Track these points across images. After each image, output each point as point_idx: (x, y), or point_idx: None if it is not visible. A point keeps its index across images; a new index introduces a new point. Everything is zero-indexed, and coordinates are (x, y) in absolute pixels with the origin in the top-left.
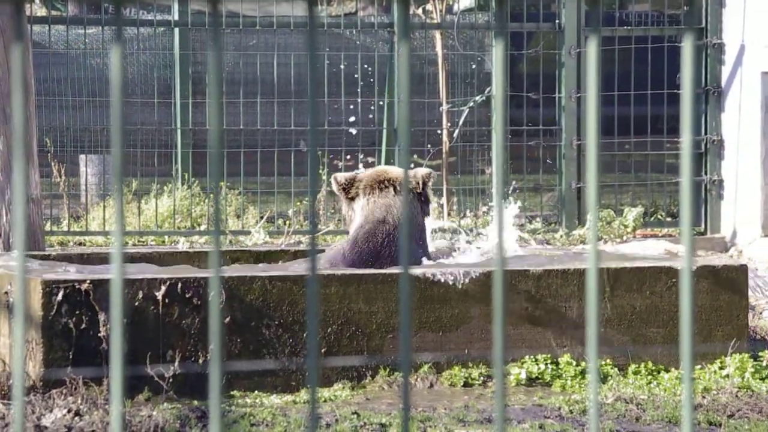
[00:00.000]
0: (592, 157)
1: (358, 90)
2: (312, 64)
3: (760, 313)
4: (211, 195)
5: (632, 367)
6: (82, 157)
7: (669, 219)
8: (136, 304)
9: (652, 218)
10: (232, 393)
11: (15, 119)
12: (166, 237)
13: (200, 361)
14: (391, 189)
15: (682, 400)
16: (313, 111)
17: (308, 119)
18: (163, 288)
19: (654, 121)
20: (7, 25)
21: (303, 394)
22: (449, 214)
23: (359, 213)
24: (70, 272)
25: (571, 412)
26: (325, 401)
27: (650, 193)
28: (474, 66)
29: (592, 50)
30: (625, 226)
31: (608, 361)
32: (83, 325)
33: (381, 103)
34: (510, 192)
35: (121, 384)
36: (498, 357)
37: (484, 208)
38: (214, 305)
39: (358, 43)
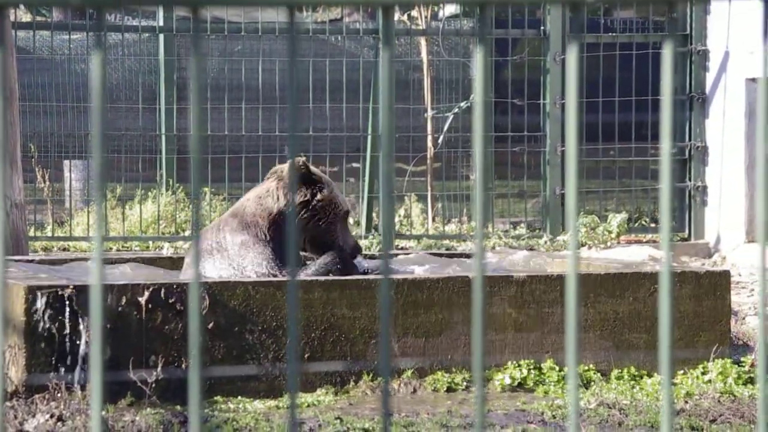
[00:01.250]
0: (572, 163)
1: (343, 96)
2: (292, 70)
3: (743, 319)
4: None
5: (615, 372)
6: (67, 162)
7: (653, 225)
8: (119, 309)
9: (636, 224)
10: (215, 398)
11: None
12: (151, 242)
13: (183, 366)
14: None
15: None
16: (293, 117)
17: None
18: (146, 293)
19: (638, 127)
20: None
21: (286, 399)
22: (433, 220)
23: None
24: (54, 277)
25: (554, 417)
26: (308, 406)
27: (634, 199)
28: (457, 72)
29: (572, 57)
30: (609, 232)
31: (591, 366)
32: (66, 331)
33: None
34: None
35: (102, 389)
36: (478, 362)
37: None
38: (193, 311)
39: (343, 49)
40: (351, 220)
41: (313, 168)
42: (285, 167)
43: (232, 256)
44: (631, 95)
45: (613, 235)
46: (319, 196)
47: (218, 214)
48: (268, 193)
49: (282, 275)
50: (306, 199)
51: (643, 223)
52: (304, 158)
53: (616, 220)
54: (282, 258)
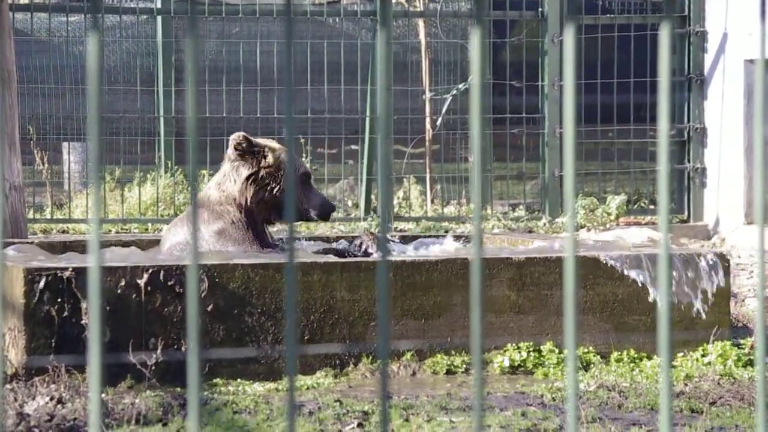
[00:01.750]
0: (569, 145)
1: (341, 78)
2: (289, 52)
3: (743, 301)
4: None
5: (615, 354)
6: (65, 144)
7: (652, 207)
8: (119, 291)
9: (636, 206)
10: (214, 381)
11: None
12: (150, 224)
13: (183, 348)
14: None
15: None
16: (289, 99)
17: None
18: (146, 276)
19: (637, 109)
20: None
21: (286, 382)
22: (432, 202)
23: None
24: (54, 259)
25: (553, 399)
26: (307, 389)
27: (633, 180)
28: (455, 54)
29: (570, 38)
30: (608, 214)
31: (590, 348)
32: (65, 313)
33: (364, 90)
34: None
35: (102, 372)
36: (477, 345)
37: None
38: (191, 294)
39: (341, 30)
40: (314, 180)
41: (255, 139)
42: (228, 151)
43: (214, 247)
44: (630, 77)
45: (612, 217)
46: (263, 163)
47: None
48: (225, 177)
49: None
50: (254, 170)
51: (642, 204)
52: (243, 134)
53: (615, 201)
54: (259, 238)
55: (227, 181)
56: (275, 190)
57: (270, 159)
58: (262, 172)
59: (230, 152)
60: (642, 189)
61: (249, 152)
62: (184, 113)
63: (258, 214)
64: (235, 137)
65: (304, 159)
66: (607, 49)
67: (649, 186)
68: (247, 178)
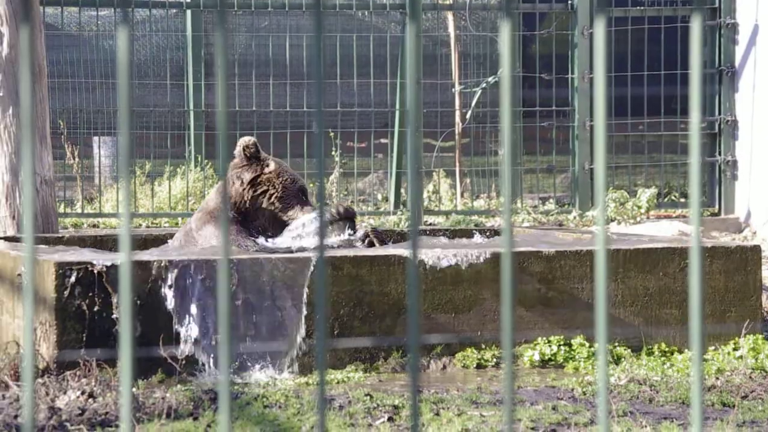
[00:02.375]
0: (600, 138)
1: (371, 71)
2: (319, 45)
3: None
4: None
5: (645, 348)
6: (96, 138)
7: (683, 200)
8: (149, 286)
9: (666, 199)
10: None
11: (23, 101)
12: (180, 219)
13: (213, 342)
14: None
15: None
16: (319, 93)
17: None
18: (176, 271)
19: (667, 101)
20: (18, 8)
21: (316, 376)
22: (462, 196)
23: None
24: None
25: (584, 393)
26: (337, 383)
27: (664, 173)
28: (485, 47)
29: (600, 31)
30: (639, 207)
31: (621, 342)
32: (96, 307)
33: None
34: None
35: (132, 366)
36: (507, 339)
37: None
38: (222, 288)
39: (370, 24)
40: (312, 199)
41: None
42: (236, 153)
43: (201, 245)
44: (660, 69)
45: (642, 210)
46: (266, 170)
47: None
48: (227, 182)
49: (252, 244)
50: (256, 174)
51: (673, 198)
52: (253, 139)
53: (645, 195)
54: (252, 234)
55: (229, 186)
56: (273, 196)
57: (272, 166)
58: (263, 178)
59: (237, 159)
60: (673, 182)
61: (255, 158)
62: (213, 107)
63: (254, 220)
64: (246, 140)
65: (333, 153)
66: (637, 42)
67: (679, 179)
68: (250, 182)
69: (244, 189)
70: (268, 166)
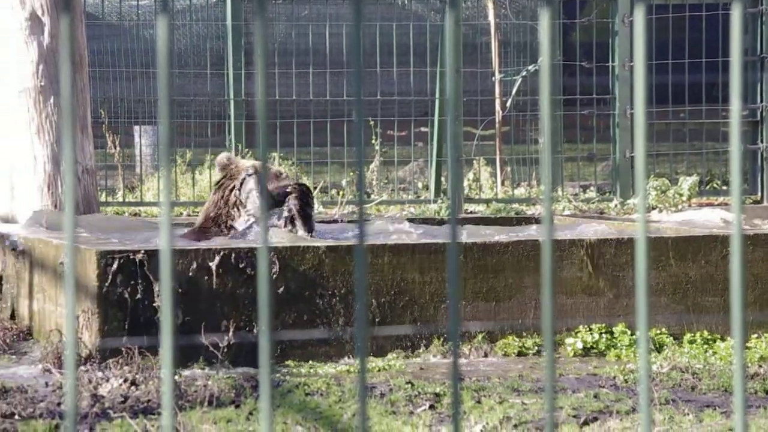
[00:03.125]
0: (640, 125)
1: (411, 59)
2: (357, 34)
3: None
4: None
5: (687, 336)
6: (136, 128)
7: (724, 187)
8: (190, 274)
9: (708, 187)
10: (286, 363)
11: (63, 91)
12: None
13: (254, 330)
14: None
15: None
16: (358, 81)
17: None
18: (217, 258)
19: (708, 89)
20: None
21: (357, 364)
22: (503, 184)
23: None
24: (126, 242)
25: (626, 381)
26: (379, 371)
27: (705, 161)
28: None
29: (640, 18)
30: (680, 195)
31: (663, 330)
32: (138, 295)
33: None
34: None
35: (174, 354)
36: (548, 327)
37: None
38: (262, 276)
39: (410, 12)
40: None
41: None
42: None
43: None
44: (701, 56)
45: (684, 198)
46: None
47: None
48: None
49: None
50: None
51: (715, 185)
52: (226, 154)
53: (686, 182)
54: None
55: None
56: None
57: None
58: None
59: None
60: (714, 170)
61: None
62: (253, 96)
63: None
64: (219, 158)
65: (373, 141)
66: (678, 29)
67: (721, 166)
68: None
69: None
70: (236, 164)
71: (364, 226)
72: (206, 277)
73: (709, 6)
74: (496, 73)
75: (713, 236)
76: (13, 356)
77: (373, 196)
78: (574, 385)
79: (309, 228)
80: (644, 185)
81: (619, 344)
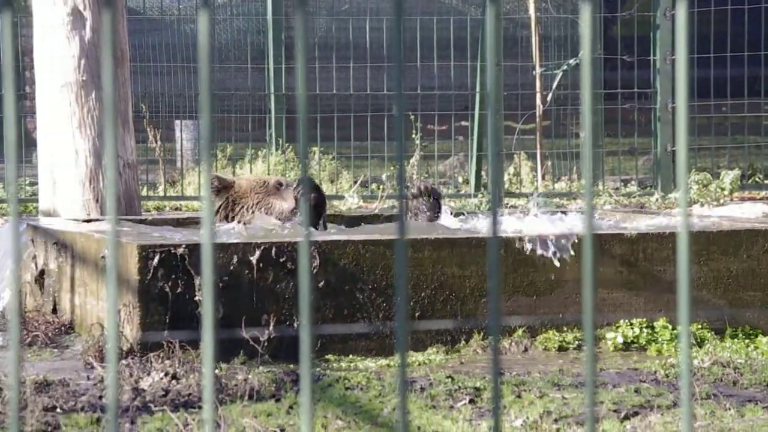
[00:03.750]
0: (682, 119)
1: (451, 54)
2: (398, 28)
3: None
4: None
5: (729, 330)
6: (177, 122)
7: (767, 181)
8: (231, 268)
9: (750, 181)
10: (326, 357)
11: (105, 85)
12: None
13: (295, 325)
14: None
15: None
16: (399, 76)
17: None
18: (258, 252)
19: (751, 82)
20: None
21: (397, 358)
22: (543, 178)
23: None
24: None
25: (666, 376)
26: (419, 365)
27: (747, 155)
28: (565, 29)
29: (682, 12)
30: (722, 189)
31: (704, 324)
32: (179, 289)
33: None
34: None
35: (215, 348)
36: (588, 321)
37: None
38: (303, 271)
39: (450, 6)
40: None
41: (221, 177)
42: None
43: None
44: (744, 50)
45: (725, 192)
46: (233, 190)
47: (328, 173)
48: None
49: None
50: (227, 196)
51: (757, 179)
52: (214, 174)
53: (728, 176)
54: None
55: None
56: (250, 207)
57: (240, 183)
58: (234, 197)
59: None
60: (756, 164)
61: (223, 188)
62: (294, 90)
63: None
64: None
65: (413, 135)
66: (720, 22)
67: (763, 160)
68: (222, 206)
69: (218, 215)
70: (233, 185)
71: (404, 221)
72: (247, 271)
73: None
74: (537, 67)
75: (755, 230)
76: (55, 350)
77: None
78: (614, 380)
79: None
80: (686, 179)
81: (660, 339)
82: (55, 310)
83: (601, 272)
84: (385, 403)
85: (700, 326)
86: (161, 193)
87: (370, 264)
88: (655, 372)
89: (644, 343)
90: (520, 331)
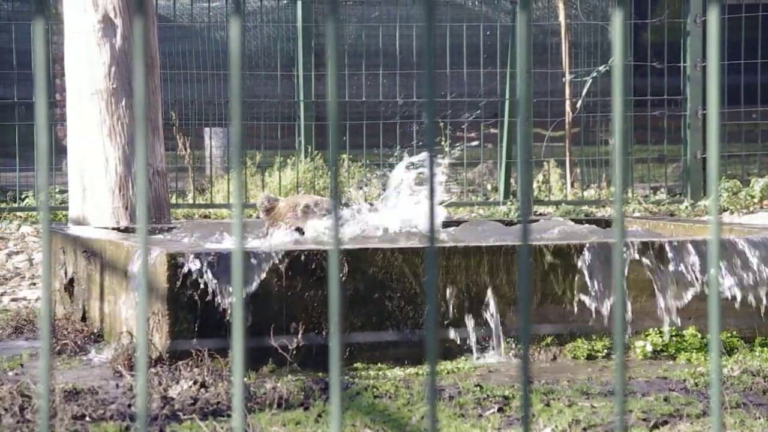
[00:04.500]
0: (713, 126)
1: (480, 61)
2: (429, 36)
3: None
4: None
5: (759, 339)
6: (207, 130)
7: None
8: (261, 276)
9: None
10: (355, 365)
11: (137, 93)
12: None
13: (323, 333)
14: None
15: None
16: (429, 83)
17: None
18: (287, 260)
19: None
20: (132, 0)
21: (426, 366)
22: (572, 185)
23: None
24: (197, 244)
25: (696, 384)
26: (447, 373)
27: None
28: (595, 36)
29: (713, 18)
30: (752, 197)
31: (734, 333)
32: (208, 297)
33: (503, 73)
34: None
35: (244, 356)
36: (618, 329)
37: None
38: (332, 278)
39: (480, 13)
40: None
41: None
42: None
43: None
44: None
45: (755, 200)
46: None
47: (356, 181)
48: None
49: None
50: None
51: None
52: (266, 195)
53: (758, 184)
54: None
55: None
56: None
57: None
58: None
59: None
60: None
61: (271, 209)
62: (324, 98)
63: None
64: (260, 198)
65: (443, 143)
66: (751, 29)
67: None
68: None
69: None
70: (276, 207)
71: (434, 227)
72: (276, 279)
73: None
74: (567, 74)
75: None
76: (84, 358)
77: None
78: (643, 389)
79: None
80: (717, 187)
81: (689, 347)
82: (84, 318)
83: (631, 279)
84: (414, 411)
85: (729, 335)
86: (190, 201)
87: (399, 272)
88: (685, 380)
89: (674, 351)
90: (548, 339)
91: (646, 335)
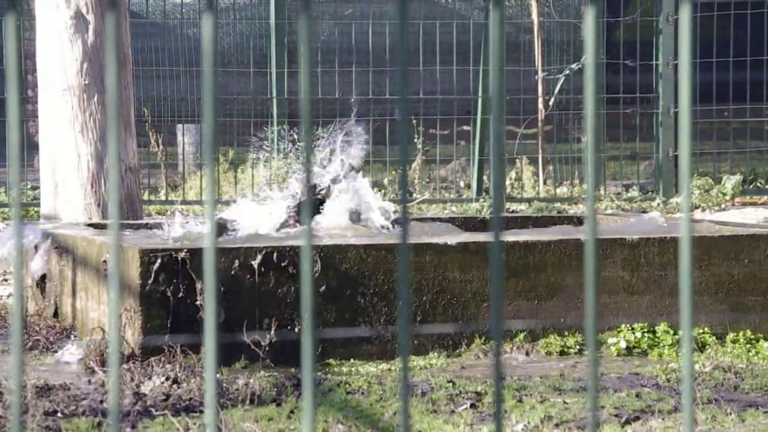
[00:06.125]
0: (685, 124)
1: (453, 58)
2: (401, 33)
3: None
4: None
5: (730, 335)
6: (180, 126)
7: None
8: (232, 272)
9: (751, 186)
10: (327, 361)
11: (109, 89)
12: None
13: (296, 329)
14: None
15: None
16: (402, 80)
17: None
18: (259, 257)
19: (753, 87)
20: None
21: (398, 363)
22: (545, 183)
23: None
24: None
25: (668, 380)
26: (420, 369)
27: (749, 160)
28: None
29: (685, 16)
30: (724, 194)
31: (706, 329)
32: (180, 294)
33: (476, 70)
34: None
35: (216, 352)
36: (591, 326)
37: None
38: (305, 275)
39: (453, 11)
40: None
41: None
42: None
43: None
44: (746, 55)
45: (727, 198)
46: None
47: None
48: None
49: None
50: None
51: (758, 185)
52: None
53: (730, 182)
54: None
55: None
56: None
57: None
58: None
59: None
60: (758, 169)
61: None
62: (297, 95)
63: None
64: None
65: (415, 140)
66: (723, 27)
67: (765, 166)
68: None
69: None
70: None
71: (407, 225)
72: (248, 276)
73: (754, 4)
74: (539, 71)
75: (756, 236)
76: (56, 354)
77: (415, 195)
78: (615, 384)
79: None
80: (688, 184)
81: (661, 343)
82: (56, 314)
83: (603, 276)
84: (386, 407)
85: (701, 331)
86: (163, 197)
87: (372, 268)
88: (657, 377)
89: (646, 347)
90: (521, 336)
91: (619, 332)
